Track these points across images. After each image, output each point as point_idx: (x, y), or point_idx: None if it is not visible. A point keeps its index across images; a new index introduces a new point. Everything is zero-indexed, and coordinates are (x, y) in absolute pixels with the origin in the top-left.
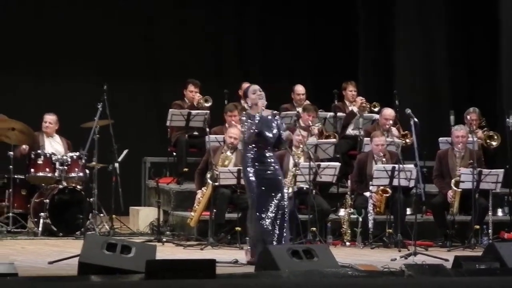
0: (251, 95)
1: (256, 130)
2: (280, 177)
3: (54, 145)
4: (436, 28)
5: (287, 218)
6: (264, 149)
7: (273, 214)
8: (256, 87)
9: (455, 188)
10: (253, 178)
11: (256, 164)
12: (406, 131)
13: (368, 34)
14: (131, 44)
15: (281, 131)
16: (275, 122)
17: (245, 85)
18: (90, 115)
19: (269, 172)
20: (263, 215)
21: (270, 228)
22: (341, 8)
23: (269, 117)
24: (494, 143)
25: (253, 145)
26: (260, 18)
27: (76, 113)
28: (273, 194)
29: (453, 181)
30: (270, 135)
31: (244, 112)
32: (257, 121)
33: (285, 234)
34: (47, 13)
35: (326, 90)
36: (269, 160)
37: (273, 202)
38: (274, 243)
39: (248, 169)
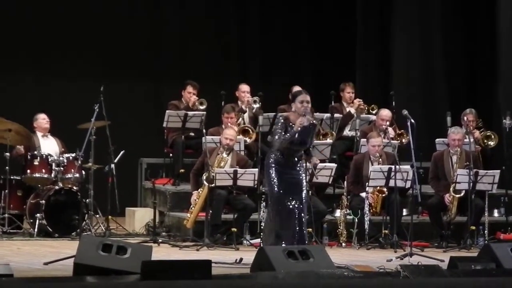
0: (298, 103)
1: (297, 139)
2: (303, 181)
3: (49, 146)
4: (434, 29)
5: (304, 220)
6: (293, 156)
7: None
8: (307, 97)
9: (454, 194)
10: (276, 182)
11: (280, 167)
12: (402, 130)
13: (366, 35)
14: (129, 45)
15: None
16: (312, 132)
17: (295, 88)
18: (87, 116)
19: (293, 175)
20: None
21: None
22: (340, 10)
23: (307, 126)
24: (491, 143)
25: (282, 150)
26: (259, 18)
27: (73, 114)
28: (292, 197)
29: (452, 186)
30: (305, 145)
31: (281, 117)
32: (296, 132)
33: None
34: (45, 13)
35: (323, 91)
36: (294, 165)
37: (292, 208)
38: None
39: (271, 171)
